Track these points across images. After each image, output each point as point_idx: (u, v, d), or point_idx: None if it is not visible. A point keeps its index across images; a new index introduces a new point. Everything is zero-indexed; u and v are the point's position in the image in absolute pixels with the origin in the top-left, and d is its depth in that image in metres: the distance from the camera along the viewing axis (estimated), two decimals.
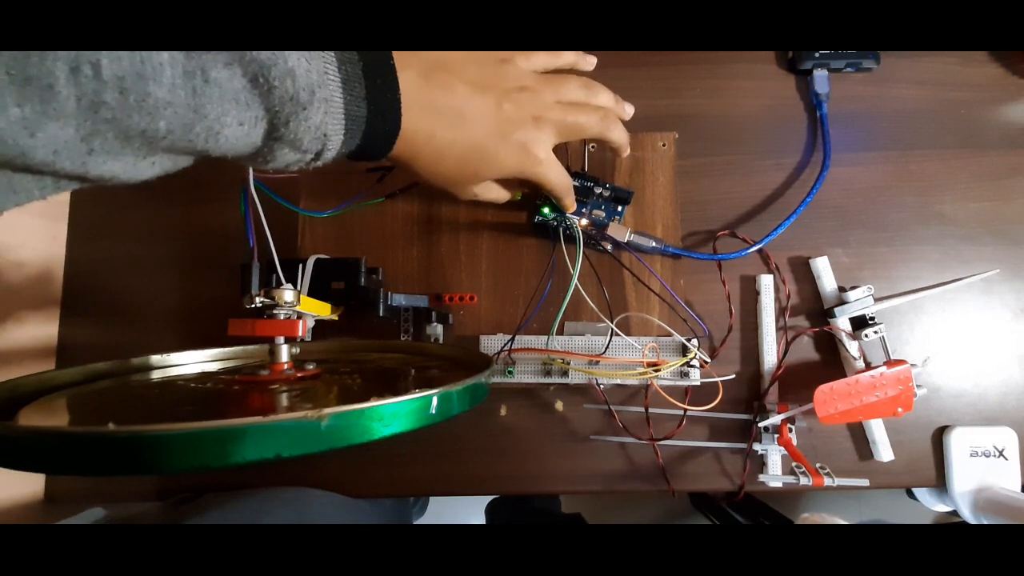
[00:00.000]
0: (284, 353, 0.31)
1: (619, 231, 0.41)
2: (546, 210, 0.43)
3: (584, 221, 0.43)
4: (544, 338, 0.40)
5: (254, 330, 0.30)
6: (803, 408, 0.39)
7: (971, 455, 0.41)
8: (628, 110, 0.38)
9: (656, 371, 0.38)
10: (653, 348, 0.40)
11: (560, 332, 0.41)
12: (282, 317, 0.30)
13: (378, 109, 0.26)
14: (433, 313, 0.42)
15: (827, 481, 0.39)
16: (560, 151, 0.45)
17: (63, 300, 0.46)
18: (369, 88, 0.25)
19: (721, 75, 0.48)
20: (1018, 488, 0.41)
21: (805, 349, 0.43)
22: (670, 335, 0.40)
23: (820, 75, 0.46)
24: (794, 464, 0.40)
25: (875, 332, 0.41)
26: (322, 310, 0.35)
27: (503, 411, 0.43)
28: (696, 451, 0.42)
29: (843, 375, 0.39)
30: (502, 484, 0.43)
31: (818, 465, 0.40)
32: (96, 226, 0.47)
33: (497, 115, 0.31)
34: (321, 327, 0.40)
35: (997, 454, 0.41)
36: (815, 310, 0.44)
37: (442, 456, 0.43)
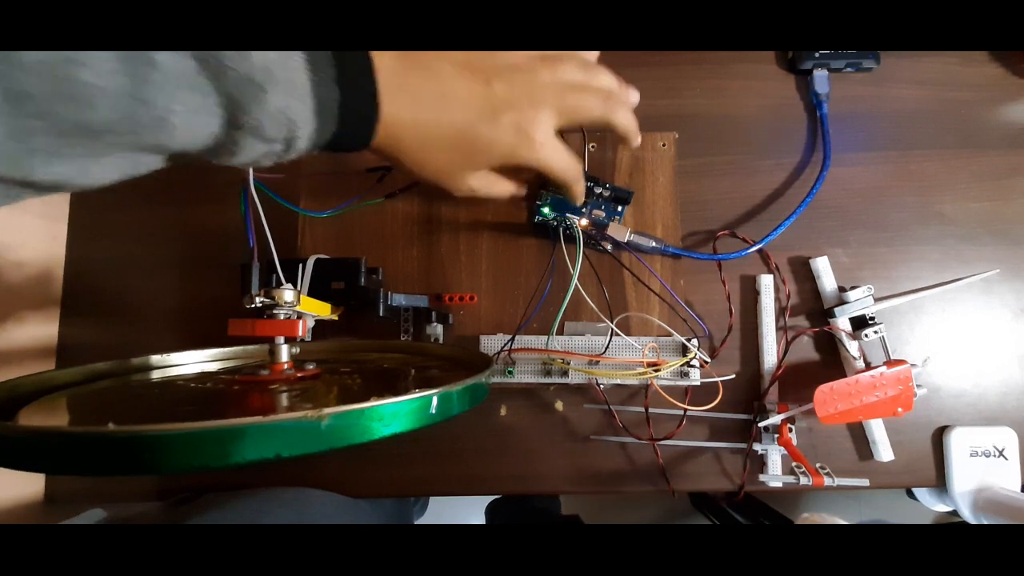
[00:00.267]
0: (284, 353, 0.31)
1: (619, 231, 0.41)
2: (546, 210, 0.43)
3: (584, 221, 0.43)
4: (544, 338, 0.40)
5: (254, 330, 0.30)
6: (803, 408, 0.39)
7: (971, 455, 0.41)
8: (633, 96, 0.36)
9: (656, 371, 0.38)
10: (653, 348, 0.40)
11: (560, 332, 0.41)
12: (282, 317, 0.30)
13: (352, 91, 0.24)
14: (433, 313, 0.42)
15: (827, 481, 0.39)
16: None
17: (63, 300, 0.46)
18: (340, 69, 0.23)
19: (721, 75, 0.48)
20: (1018, 488, 0.41)
21: (805, 349, 0.43)
22: (670, 335, 0.40)
23: (820, 75, 0.46)
24: (794, 464, 0.40)
25: (875, 332, 0.41)
26: (322, 310, 0.35)
27: (503, 411, 0.43)
28: (696, 451, 0.42)
29: (843, 375, 0.40)
30: (502, 484, 0.43)
31: (818, 465, 0.40)
32: (96, 226, 0.47)
33: (487, 95, 0.28)
34: (321, 327, 0.40)
35: (997, 454, 0.41)
36: (815, 310, 0.44)
37: (442, 456, 0.43)
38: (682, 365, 0.39)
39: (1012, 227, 0.44)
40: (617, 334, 0.39)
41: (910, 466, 0.42)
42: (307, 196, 0.45)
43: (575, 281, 0.38)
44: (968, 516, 0.41)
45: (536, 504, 0.83)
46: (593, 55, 0.35)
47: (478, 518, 0.91)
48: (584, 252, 0.39)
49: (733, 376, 0.42)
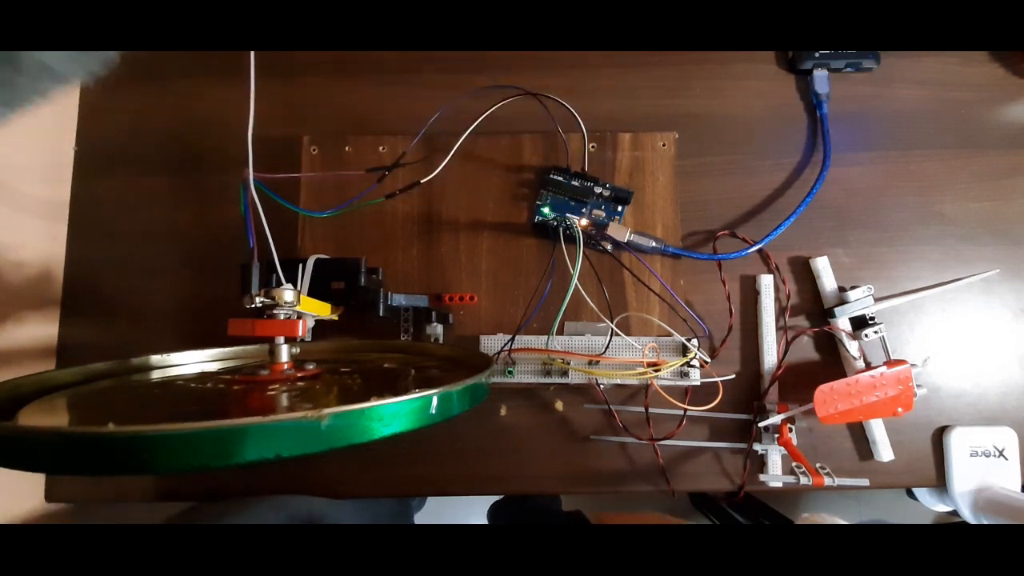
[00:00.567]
0: (284, 353, 0.31)
1: (619, 231, 0.41)
2: (546, 210, 0.43)
3: (584, 221, 0.43)
4: (544, 338, 0.40)
5: (254, 330, 0.30)
6: (803, 408, 0.39)
7: (971, 455, 0.41)
8: None
9: (656, 371, 0.38)
10: (653, 348, 0.40)
11: (560, 332, 0.41)
12: (282, 317, 0.30)
13: None
14: (433, 313, 0.42)
15: (827, 481, 0.39)
16: (560, 150, 0.45)
17: (63, 300, 0.46)
18: None
19: (721, 75, 0.48)
20: (1018, 488, 0.41)
21: (805, 349, 0.43)
22: (670, 335, 0.40)
23: (820, 75, 0.46)
24: (794, 464, 0.40)
25: (875, 332, 0.41)
26: (322, 310, 0.35)
27: (503, 411, 0.43)
28: (696, 451, 0.42)
29: (843, 375, 0.39)
30: (502, 484, 0.43)
31: (818, 465, 0.40)
32: (96, 226, 0.47)
33: None
34: (321, 327, 0.40)
35: (997, 454, 0.41)
36: (815, 310, 0.44)
37: (442, 456, 0.43)
38: (682, 365, 0.39)
39: (1012, 227, 0.44)
40: (617, 334, 0.39)
41: (910, 466, 0.42)
42: (307, 196, 0.45)
43: (575, 281, 0.38)
44: (968, 516, 0.41)
45: (536, 503, 0.83)
46: None
47: (478, 518, 0.91)
48: (584, 252, 0.39)
49: (733, 376, 0.42)
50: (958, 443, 0.41)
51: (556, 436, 0.43)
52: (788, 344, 0.42)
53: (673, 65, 0.48)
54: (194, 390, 0.31)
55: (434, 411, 0.22)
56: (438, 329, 0.42)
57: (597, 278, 0.42)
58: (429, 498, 0.94)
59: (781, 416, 0.40)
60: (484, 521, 0.87)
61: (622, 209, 0.43)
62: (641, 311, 0.43)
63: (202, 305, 0.45)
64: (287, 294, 0.30)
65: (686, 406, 0.40)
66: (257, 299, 0.29)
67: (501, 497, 0.85)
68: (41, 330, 0.45)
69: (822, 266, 0.43)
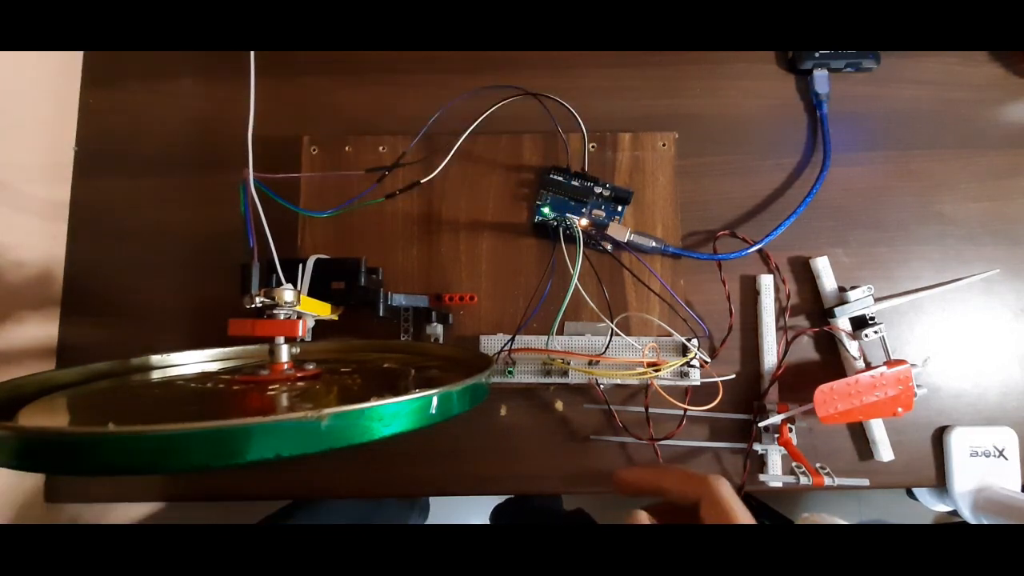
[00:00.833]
0: (284, 353, 0.31)
1: (619, 231, 0.41)
2: (546, 210, 0.43)
3: (584, 221, 0.43)
4: (544, 338, 0.40)
5: (254, 330, 0.30)
6: (803, 408, 0.39)
7: (971, 455, 0.41)
8: None
9: (656, 371, 0.38)
10: (653, 348, 0.40)
11: (560, 332, 0.41)
12: (282, 317, 0.30)
13: None
14: (433, 313, 0.42)
15: (827, 481, 0.39)
16: (560, 150, 0.45)
17: (63, 300, 0.46)
18: None
19: (721, 75, 0.48)
20: (1018, 488, 0.41)
21: (805, 349, 0.43)
22: (670, 335, 0.40)
23: (820, 75, 0.46)
24: (794, 464, 0.40)
25: (875, 332, 0.41)
26: (322, 310, 0.35)
27: (503, 411, 0.43)
28: (696, 451, 0.42)
29: (843, 375, 0.40)
30: (502, 484, 0.43)
31: (818, 465, 0.40)
32: (96, 226, 0.47)
33: None
34: (321, 327, 0.40)
35: (997, 454, 0.41)
36: (815, 310, 0.44)
37: (442, 456, 0.43)
38: (682, 365, 0.39)
39: (1012, 227, 0.44)
40: (617, 334, 0.39)
41: (910, 466, 0.42)
42: (307, 196, 0.45)
43: (575, 281, 0.38)
44: (968, 516, 0.41)
45: (536, 503, 0.83)
46: None
47: (479, 519, 0.91)
48: (584, 252, 0.39)
49: (733, 376, 0.42)
50: (958, 443, 0.41)
51: (556, 436, 0.43)
52: (788, 344, 0.42)
53: (673, 65, 0.48)
54: (194, 390, 0.31)
55: (434, 411, 0.22)
56: (438, 329, 0.42)
57: (597, 278, 0.42)
58: (430, 505, 0.94)
59: (781, 416, 0.40)
60: (485, 523, 0.87)
61: (622, 209, 0.43)
62: (641, 311, 0.43)
63: (202, 305, 0.45)
64: (287, 294, 0.30)
65: (686, 406, 0.40)
66: (257, 299, 0.29)
67: (504, 500, 0.86)
68: (41, 330, 0.45)
69: (822, 266, 0.43)
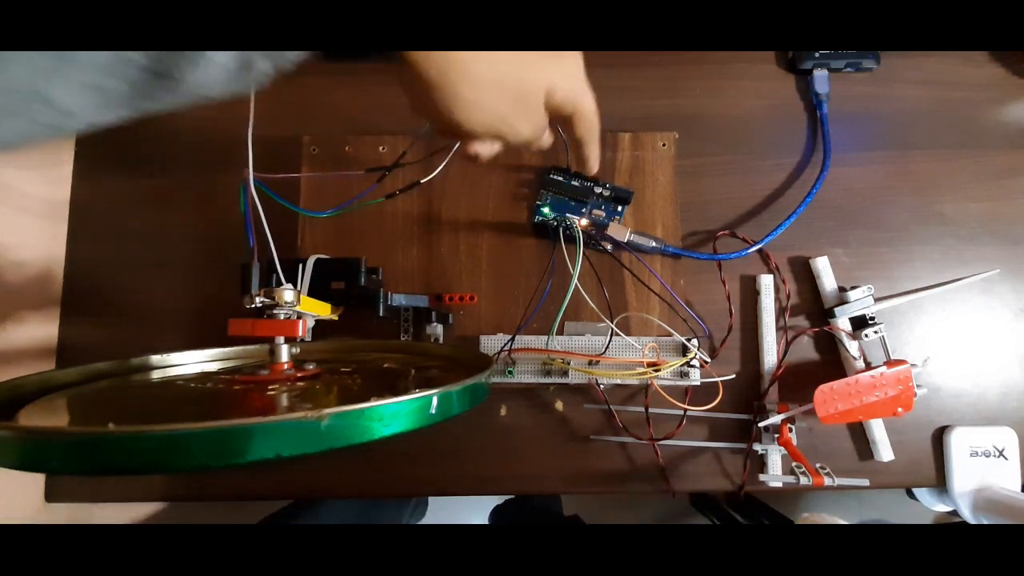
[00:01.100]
0: (284, 353, 0.31)
1: (619, 231, 0.41)
2: (546, 210, 0.43)
3: (584, 221, 0.43)
4: (544, 338, 0.40)
5: (254, 330, 0.30)
6: (803, 408, 0.39)
7: (971, 455, 0.41)
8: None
9: (656, 371, 0.38)
10: (653, 348, 0.40)
11: (560, 332, 0.41)
12: (282, 317, 0.30)
13: None
14: (433, 313, 0.42)
15: (827, 481, 0.39)
16: (560, 150, 0.45)
17: (63, 300, 0.46)
18: None
19: (721, 75, 0.48)
20: (1018, 488, 0.41)
21: (805, 349, 0.43)
22: (670, 335, 0.40)
23: (820, 75, 0.46)
24: (794, 464, 0.40)
25: (875, 332, 0.41)
26: (322, 310, 0.35)
27: (503, 411, 0.43)
28: (696, 451, 0.42)
29: (843, 375, 0.39)
30: (502, 484, 0.43)
31: (818, 465, 0.40)
32: (96, 226, 0.47)
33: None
34: (321, 327, 0.40)
35: (997, 454, 0.41)
36: (815, 310, 0.44)
37: (442, 456, 0.43)
38: (682, 365, 0.39)
39: (1012, 227, 0.44)
40: (617, 334, 0.39)
41: (910, 466, 0.42)
42: (307, 196, 0.45)
43: (575, 281, 0.38)
44: (968, 516, 0.41)
45: (537, 504, 0.83)
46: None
47: (479, 519, 0.91)
48: (584, 252, 0.39)
49: (733, 376, 0.42)
50: (958, 443, 0.41)
51: (556, 436, 0.43)
52: (788, 344, 0.42)
53: (673, 65, 0.48)
54: (194, 390, 0.31)
55: (434, 411, 0.22)
56: (438, 329, 0.42)
57: (597, 278, 0.42)
58: (428, 504, 0.94)
59: (781, 416, 0.40)
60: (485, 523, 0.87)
61: (622, 209, 0.43)
62: (641, 311, 0.43)
63: (202, 305, 0.45)
64: (287, 294, 0.30)
65: (686, 406, 0.40)
66: (257, 299, 0.29)
67: (503, 500, 0.86)
68: (41, 330, 0.45)
69: (822, 266, 0.43)
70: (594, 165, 0.33)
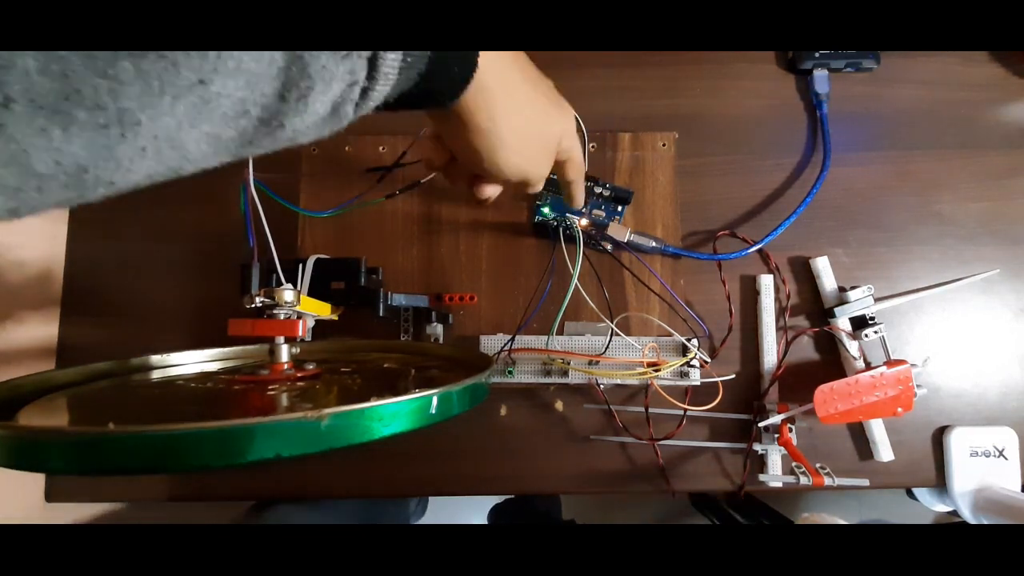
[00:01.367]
0: (284, 353, 0.31)
1: (619, 231, 0.41)
2: (546, 210, 0.43)
3: (584, 221, 0.43)
4: (544, 338, 0.40)
5: (254, 330, 0.30)
6: (803, 408, 0.39)
7: (971, 455, 0.41)
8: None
9: (656, 371, 0.38)
10: (653, 348, 0.40)
11: (560, 332, 0.41)
12: (282, 317, 0.30)
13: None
14: (433, 313, 0.42)
15: (827, 481, 0.39)
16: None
17: (63, 300, 0.46)
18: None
19: (721, 75, 0.48)
20: (1018, 488, 0.41)
21: (805, 349, 0.43)
22: (670, 335, 0.40)
23: (820, 75, 0.46)
24: (794, 464, 0.40)
25: (875, 332, 0.41)
26: (322, 310, 0.35)
27: (503, 411, 0.43)
28: (696, 451, 0.42)
29: (843, 375, 0.39)
30: (502, 484, 0.43)
31: (818, 465, 0.40)
32: (96, 226, 0.47)
33: (552, 91, 0.31)
34: (321, 327, 0.40)
35: (997, 454, 0.41)
36: (815, 310, 0.44)
37: (442, 456, 0.43)
38: (682, 365, 0.39)
39: (1012, 227, 0.44)
40: (617, 334, 0.39)
41: (910, 466, 0.42)
42: (307, 196, 0.45)
43: (575, 281, 0.38)
44: (968, 516, 0.41)
45: (537, 507, 0.83)
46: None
47: (479, 519, 0.91)
48: (584, 252, 0.39)
49: (733, 376, 0.42)
50: (958, 443, 0.41)
51: (556, 436, 0.43)
52: (788, 344, 0.42)
53: (673, 65, 0.48)
54: (194, 390, 0.31)
55: (434, 411, 0.22)
56: (438, 329, 0.42)
57: (597, 278, 0.42)
58: (429, 502, 0.94)
59: (781, 416, 0.40)
60: (484, 523, 0.87)
61: (622, 209, 0.43)
62: (641, 311, 0.43)
63: (202, 305, 0.45)
64: (287, 294, 0.30)
65: (686, 406, 0.40)
66: (257, 299, 0.29)
67: (501, 500, 0.86)
68: (41, 330, 0.45)
69: (822, 266, 0.43)
70: (580, 202, 0.37)
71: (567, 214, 0.43)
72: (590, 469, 0.42)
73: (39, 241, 0.45)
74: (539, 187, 0.32)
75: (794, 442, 0.40)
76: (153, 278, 0.46)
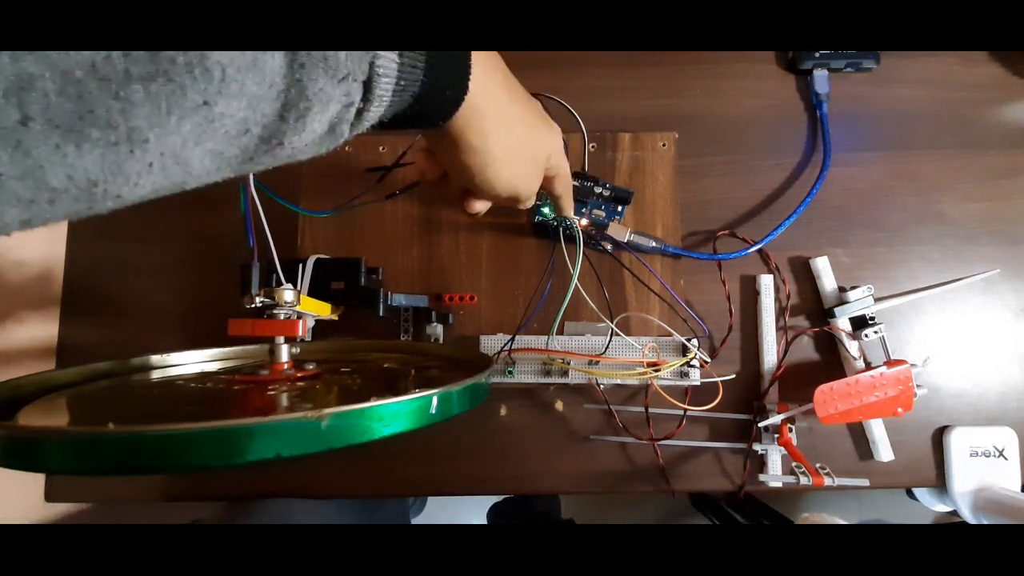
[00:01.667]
0: (284, 353, 0.31)
1: (619, 231, 0.41)
2: (546, 210, 0.43)
3: (584, 221, 0.43)
4: (544, 338, 0.40)
5: (254, 330, 0.30)
6: (803, 408, 0.39)
7: (971, 455, 0.41)
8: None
9: (656, 371, 0.38)
10: (653, 348, 0.40)
11: (560, 332, 0.41)
12: (282, 317, 0.30)
13: (442, 56, 0.22)
14: (433, 313, 0.42)
15: (827, 481, 0.39)
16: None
17: (63, 300, 0.46)
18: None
19: (721, 75, 0.48)
20: (1018, 488, 0.41)
21: (805, 349, 0.43)
22: (670, 335, 0.40)
23: (820, 75, 0.46)
24: (794, 464, 0.40)
25: (875, 332, 0.41)
26: (322, 310, 0.35)
27: (503, 411, 0.43)
28: (696, 451, 0.42)
29: (843, 375, 0.39)
30: (502, 484, 0.43)
31: (818, 465, 0.40)
32: (96, 226, 0.47)
33: (540, 109, 0.31)
34: (321, 327, 0.40)
35: (997, 454, 0.41)
36: (815, 310, 0.44)
37: (442, 456, 0.43)
38: (682, 365, 0.39)
39: (1012, 227, 0.44)
40: (617, 334, 0.39)
41: (910, 466, 0.42)
42: (307, 196, 0.45)
43: (575, 281, 0.38)
44: (968, 516, 0.41)
45: (537, 507, 0.83)
46: None
47: (478, 519, 0.91)
48: (584, 252, 0.39)
49: (733, 376, 0.42)
50: (958, 443, 0.41)
51: (556, 436, 0.43)
52: (788, 344, 0.42)
53: (673, 65, 0.48)
54: (194, 390, 0.31)
55: (434, 411, 0.22)
56: (438, 329, 0.42)
57: (597, 278, 0.42)
58: (428, 499, 0.94)
59: (781, 416, 0.40)
60: (483, 522, 0.87)
61: (622, 209, 0.43)
62: (641, 311, 0.43)
63: (202, 305, 0.45)
64: (287, 294, 0.30)
65: (686, 406, 0.40)
66: (257, 299, 0.29)
67: (501, 499, 0.86)
68: (41, 330, 0.45)
69: (822, 266, 0.43)
70: (570, 212, 0.38)
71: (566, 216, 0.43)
72: (590, 469, 0.42)
73: (39, 241, 0.45)
74: (529, 203, 0.33)
75: (794, 442, 0.40)
76: (153, 278, 0.46)
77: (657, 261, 0.43)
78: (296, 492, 0.42)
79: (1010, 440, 0.41)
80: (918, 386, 0.39)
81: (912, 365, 0.38)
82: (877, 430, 0.41)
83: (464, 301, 0.43)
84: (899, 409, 0.38)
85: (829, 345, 0.43)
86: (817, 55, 0.46)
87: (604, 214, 0.43)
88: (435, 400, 0.22)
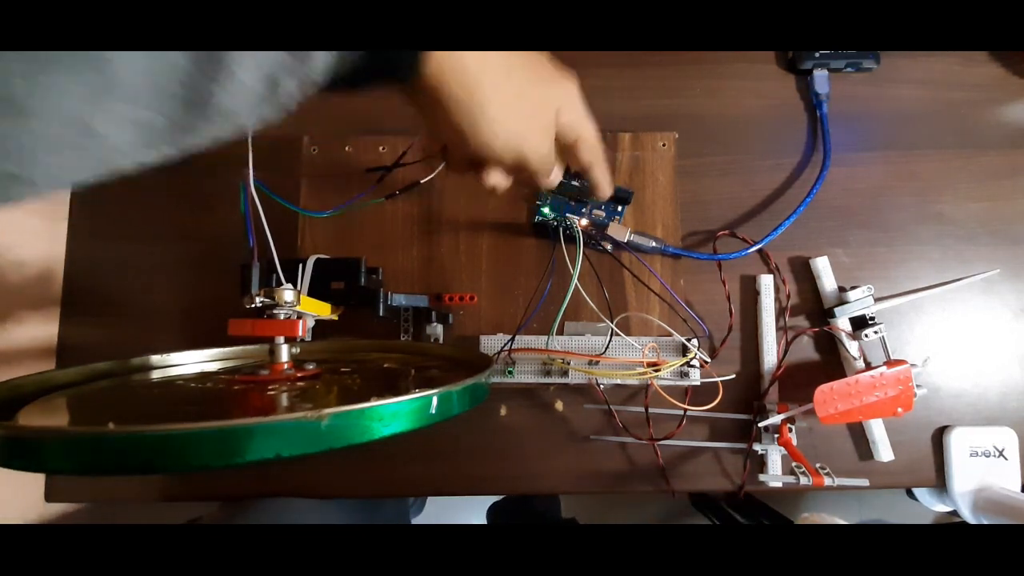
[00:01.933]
0: (284, 353, 0.31)
1: (619, 231, 0.41)
2: (546, 210, 0.43)
3: (584, 221, 0.43)
4: (544, 338, 0.40)
5: (254, 330, 0.30)
6: (803, 408, 0.39)
7: (971, 455, 0.41)
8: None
9: (656, 371, 0.38)
10: (653, 348, 0.40)
11: (560, 332, 0.41)
12: (282, 317, 0.30)
13: None
14: (433, 313, 0.42)
15: (827, 481, 0.39)
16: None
17: (63, 300, 0.46)
18: None
19: (721, 75, 0.48)
20: (1018, 488, 0.41)
21: (805, 349, 0.43)
22: (670, 335, 0.40)
23: (820, 75, 0.46)
24: (794, 464, 0.40)
25: (875, 332, 0.41)
26: (322, 310, 0.35)
27: (503, 411, 0.43)
28: (696, 451, 0.42)
29: (843, 375, 0.39)
30: (502, 484, 0.43)
31: (818, 465, 0.40)
32: (96, 226, 0.47)
33: (545, 63, 0.27)
34: (321, 327, 0.40)
35: (997, 454, 0.41)
36: (815, 310, 0.44)
37: (442, 456, 0.43)
38: (682, 365, 0.39)
39: (1012, 227, 0.44)
40: (617, 334, 0.39)
41: (910, 466, 0.42)
42: (307, 196, 0.45)
43: (575, 281, 0.38)
44: (968, 516, 0.41)
45: (536, 506, 0.83)
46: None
47: (478, 519, 0.91)
48: (584, 252, 0.39)
49: (733, 376, 0.42)
50: (958, 443, 0.41)
51: (556, 436, 0.43)
52: (788, 344, 0.42)
53: (673, 65, 0.48)
54: (194, 390, 0.31)
55: (434, 411, 0.22)
56: (438, 329, 0.42)
57: (597, 278, 0.42)
58: (428, 499, 0.94)
59: (781, 416, 0.40)
60: (483, 522, 0.87)
61: (622, 209, 0.43)
62: (641, 311, 0.43)
63: (202, 305, 0.45)
64: (287, 294, 0.30)
65: (686, 406, 0.40)
66: (257, 299, 0.29)
67: (500, 498, 0.86)
68: (41, 330, 0.45)
69: (822, 266, 0.43)
70: (606, 189, 0.32)
71: (567, 214, 0.43)
72: (590, 469, 0.42)
73: (39, 241, 0.45)
74: (547, 170, 0.29)
75: (794, 442, 0.40)
76: (153, 278, 0.46)
77: (657, 261, 0.43)
78: (296, 492, 0.42)
79: (1010, 440, 0.41)
80: (918, 386, 0.39)
81: (912, 365, 0.38)
82: (877, 430, 0.41)
83: (464, 301, 0.43)
84: (899, 409, 0.38)
85: (829, 345, 0.43)
86: (817, 55, 0.46)
87: (604, 214, 0.43)
88: (435, 400, 0.22)
